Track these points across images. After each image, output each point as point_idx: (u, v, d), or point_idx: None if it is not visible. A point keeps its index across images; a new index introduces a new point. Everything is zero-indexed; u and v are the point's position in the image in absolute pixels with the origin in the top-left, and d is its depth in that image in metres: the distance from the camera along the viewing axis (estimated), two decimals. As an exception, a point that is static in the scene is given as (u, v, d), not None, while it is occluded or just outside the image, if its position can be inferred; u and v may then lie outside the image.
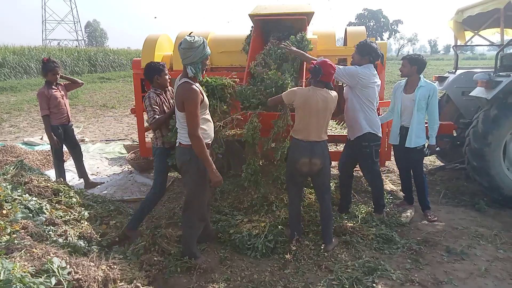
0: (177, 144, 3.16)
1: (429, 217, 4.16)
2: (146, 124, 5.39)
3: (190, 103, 2.85)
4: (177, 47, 2.91)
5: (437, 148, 4.71)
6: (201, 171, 3.05)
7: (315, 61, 3.34)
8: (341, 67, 3.80)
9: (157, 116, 3.48)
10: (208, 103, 3.12)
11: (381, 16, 70.00)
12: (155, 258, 3.14)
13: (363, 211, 4.10)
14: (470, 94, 4.71)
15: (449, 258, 3.39)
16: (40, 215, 3.22)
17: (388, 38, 71.36)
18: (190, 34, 2.91)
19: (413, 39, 79.04)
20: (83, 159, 5.36)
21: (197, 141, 2.88)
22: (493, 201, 4.51)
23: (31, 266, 2.06)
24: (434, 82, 5.30)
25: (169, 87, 3.76)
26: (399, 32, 73.40)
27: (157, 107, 3.52)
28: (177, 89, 2.95)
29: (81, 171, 5.27)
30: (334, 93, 3.38)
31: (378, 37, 63.63)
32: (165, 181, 3.76)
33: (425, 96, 4.00)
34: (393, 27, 71.23)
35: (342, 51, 4.84)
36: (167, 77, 3.66)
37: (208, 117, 3.13)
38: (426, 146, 4.24)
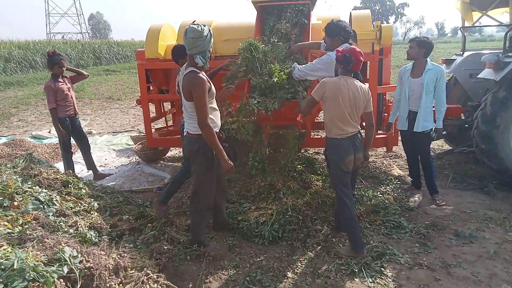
0: (184, 134, 3.16)
1: (437, 201, 4.14)
2: (152, 115, 5.42)
3: (198, 92, 2.81)
4: (183, 36, 2.83)
5: (444, 132, 4.66)
6: (209, 160, 3.04)
7: (342, 49, 3.12)
8: (300, 67, 3.67)
9: None
10: (215, 91, 3.08)
11: (387, 0, 68.74)
12: (165, 247, 3.19)
13: (371, 197, 4.09)
14: (478, 76, 4.63)
15: (457, 241, 3.39)
16: (50, 206, 3.27)
17: (394, 22, 70.11)
18: (193, 22, 2.86)
19: (419, 22, 77.64)
20: (91, 151, 5.40)
21: (208, 130, 2.85)
22: (502, 184, 4.47)
23: (44, 256, 2.10)
24: (442, 65, 5.22)
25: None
26: (405, 16, 72.04)
27: None
28: (184, 79, 2.90)
29: (90, 163, 5.33)
30: (366, 86, 3.21)
31: (384, 21, 62.64)
32: None
33: (433, 79, 3.97)
34: (399, 10, 69.92)
35: (347, 36, 4.76)
36: None
37: (215, 105, 3.11)
38: (433, 130, 4.20)
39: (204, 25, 2.83)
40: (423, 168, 4.29)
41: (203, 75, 2.89)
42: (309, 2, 4.47)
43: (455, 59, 5.65)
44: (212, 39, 2.89)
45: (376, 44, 4.54)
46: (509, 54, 4.39)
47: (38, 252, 2.13)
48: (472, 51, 5.68)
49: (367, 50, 4.61)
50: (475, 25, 6.04)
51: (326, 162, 3.36)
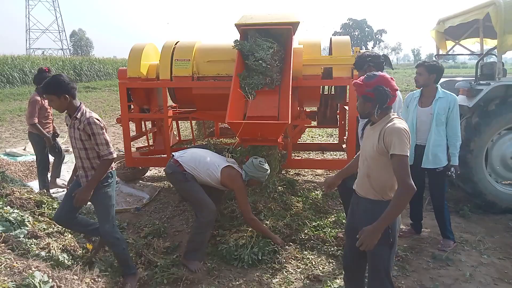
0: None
1: (445, 247, 3.65)
2: (132, 134, 5.35)
3: (242, 194, 3.43)
4: (251, 158, 3.55)
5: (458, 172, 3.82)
6: (182, 181, 3.38)
7: (369, 81, 2.18)
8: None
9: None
10: None
11: (366, 26, 71.27)
12: (140, 270, 3.09)
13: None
14: (452, 102, 4.80)
15: (434, 264, 3.42)
16: (22, 227, 3.14)
17: (372, 47, 72.55)
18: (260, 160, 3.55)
19: (397, 48, 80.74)
20: (67, 169, 5.29)
21: (256, 224, 3.52)
22: (476, 207, 4.58)
23: (11, 281, 2.01)
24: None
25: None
26: (383, 42, 74.82)
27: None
28: (236, 175, 3.48)
29: (53, 175, 5.26)
30: None
31: (363, 47, 64.71)
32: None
33: (445, 109, 3.50)
34: (377, 36, 72.54)
35: (328, 60, 4.89)
36: None
37: None
38: (451, 170, 3.64)
39: (267, 169, 3.52)
40: (435, 211, 3.82)
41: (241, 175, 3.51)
42: (290, 27, 4.57)
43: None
44: (263, 180, 3.58)
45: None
46: (480, 82, 4.59)
47: (6, 278, 2.03)
48: (446, 77, 5.90)
49: (347, 74, 4.74)
50: (449, 53, 6.31)
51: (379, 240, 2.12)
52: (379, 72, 2.25)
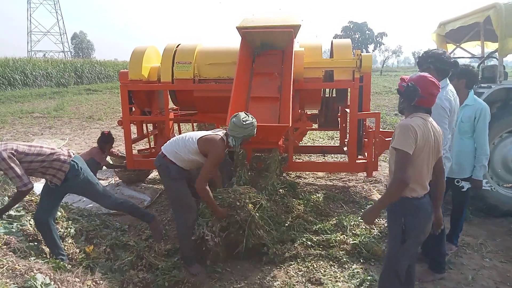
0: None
1: (447, 251, 3.50)
2: (133, 136, 5.36)
3: (214, 157, 3.15)
4: (231, 118, 3.25)
5: (490, 186, 3.73)
6: (172, 179, 3.27)
7: (409, 78, 2.35)
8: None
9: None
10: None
11: (366, 29, 71.21)
12: (139, 276, 3.07)
13: (352, 222, 4.11)
14: (453, 105, 4.79)
15: (436, 267, 3.41)
16: (23, 230, 3.14)
17: (373, 50, 72.51)
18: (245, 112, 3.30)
19: (397, 51, 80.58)
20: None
21: (206, 194, 3.16)
22: (477, 210, 4.57)
23: (13, 284, 2.01)
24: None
25: None
26: (384, 44, 74.60)
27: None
28: (213, 137, 3.22)
29: None
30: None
31: (364, 49, 64.75)
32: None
33: (470, 117, 3.33)
34: (378, 39, 72.44)
35: (329, 63, 4.90)
36: None
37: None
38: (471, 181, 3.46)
39: (252, 120, 3.25)
40: (452, 218, 3.75)
41: (226, 147, 3.27)
42: (291, 30, 4.58)
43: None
44: (251, 132, 3.22)
45: (357, 71, 4.67)
46: (481, 85, 4.59)
47: (8, 280, 2.03)
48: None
49: (348, 77, 4.74)
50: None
51: (391, 234, 2.47)
52: (426, 74, 2.33)
